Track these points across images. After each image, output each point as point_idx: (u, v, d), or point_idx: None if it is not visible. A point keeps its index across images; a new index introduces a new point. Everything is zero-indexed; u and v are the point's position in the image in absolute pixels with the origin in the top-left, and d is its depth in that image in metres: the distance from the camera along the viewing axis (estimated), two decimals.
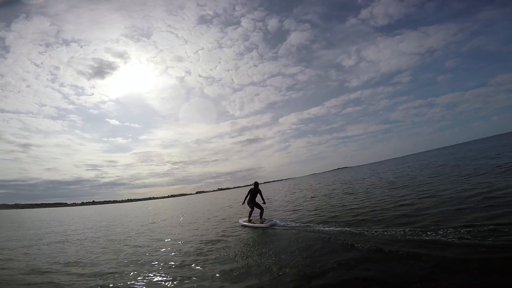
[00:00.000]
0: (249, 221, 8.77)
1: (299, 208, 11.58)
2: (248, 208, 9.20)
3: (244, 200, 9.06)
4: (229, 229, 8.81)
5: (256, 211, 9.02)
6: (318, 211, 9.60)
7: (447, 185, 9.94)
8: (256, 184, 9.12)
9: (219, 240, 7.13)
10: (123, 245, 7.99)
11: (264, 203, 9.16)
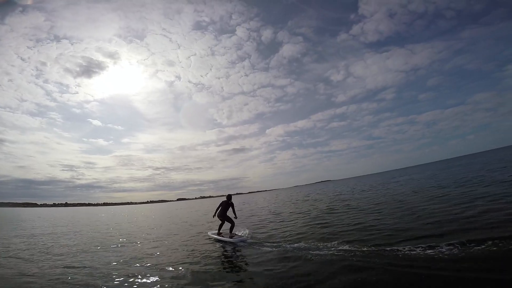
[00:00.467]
0: (219, 234, 8.54)
1: (276, 222, 11.36)
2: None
3: (215, 213, 8.71)
4: (198, 243, 8.40)
5: (227, 224, 8.69)
6: (293, 227, 9.29)
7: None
8: (229, 196, 8.75)
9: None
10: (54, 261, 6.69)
11: (235, 217, 8.73)
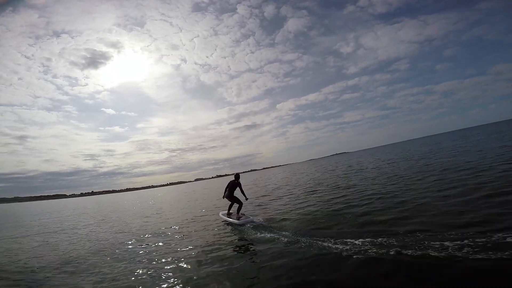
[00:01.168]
0: (228, 214, 8.45)
1: (282, 203, 10.43)
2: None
3: (224, 194, 8.56)
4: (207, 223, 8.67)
5: (235, 205, 8.46)
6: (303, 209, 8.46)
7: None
8: (236, 176, 8.44)
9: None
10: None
11: (246, 198, 8.41)
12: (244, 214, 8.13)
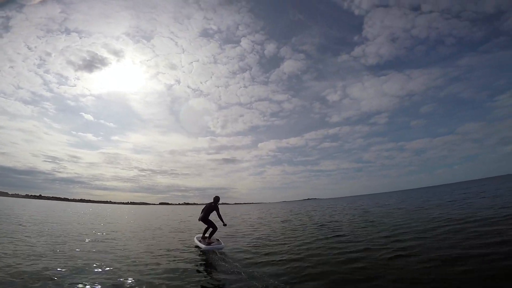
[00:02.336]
0: (203, 238, 7.91)
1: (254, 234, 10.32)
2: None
3: (199, 216, 8.06)
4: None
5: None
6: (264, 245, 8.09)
7: None
8: (216, 199, 8.00)
9: None
10: None
11: (224, 224, 8.01)
12: (218, 240, 7.62)
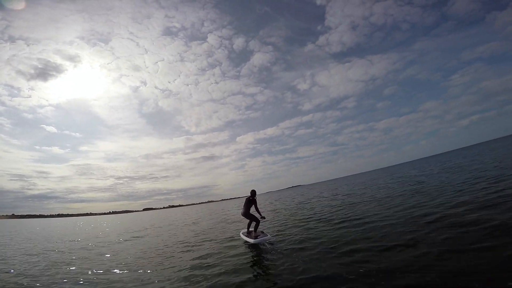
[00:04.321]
0: (248, 233, 7.99)
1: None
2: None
3: (242, 211, 8.09)
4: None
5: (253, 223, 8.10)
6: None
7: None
8: (252, 193, 8.03)
9: None
10: None
11: (262, 217, 7.95)
12: (263, 232, 7.71)
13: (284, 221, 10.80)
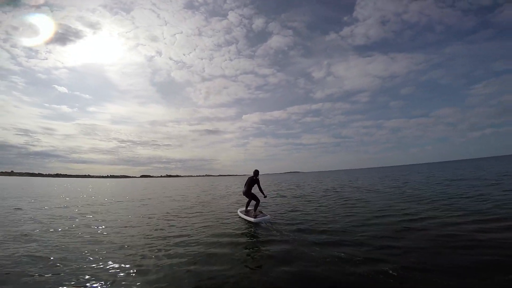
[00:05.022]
0: (246, 212, 8.03)
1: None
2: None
3: (243, 190, 8.13)
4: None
5: (253, 202, 8.06)
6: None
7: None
8: (255, 172, 7.94)
9: None
10: None
11: (264, 196, 8.04)
12: (262, 212, 7.79)
13: (288, 204, 10.88)
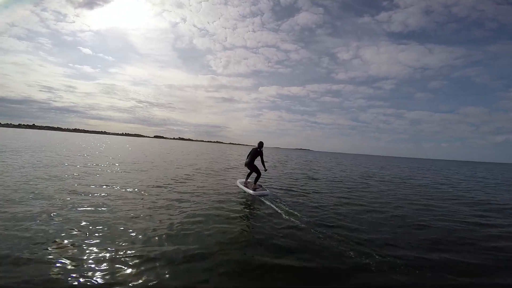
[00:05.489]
0: (246, 183, 7.85)
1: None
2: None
3: (245, 161, 7.80)
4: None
5: (253, 174, 7.83)
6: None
7: None
8: (260, 144, 7.70)
9: None
10: None
11: (265, 170, 7.89)
12: (261, 186, 7.64)
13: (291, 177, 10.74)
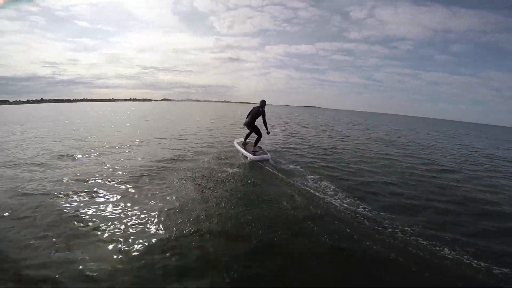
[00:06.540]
0: (244, 145, 7.50)
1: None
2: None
3: (244, 121, 7.35)
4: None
5: (253, 135, 7.48)
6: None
7: None
8: (262, 102, 7.20)
9: None
10: None
11: (267, 132, 7.22)
12: (261, 148, 7.19)
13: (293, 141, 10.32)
